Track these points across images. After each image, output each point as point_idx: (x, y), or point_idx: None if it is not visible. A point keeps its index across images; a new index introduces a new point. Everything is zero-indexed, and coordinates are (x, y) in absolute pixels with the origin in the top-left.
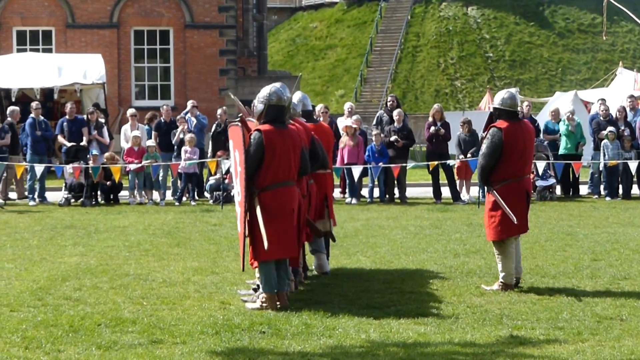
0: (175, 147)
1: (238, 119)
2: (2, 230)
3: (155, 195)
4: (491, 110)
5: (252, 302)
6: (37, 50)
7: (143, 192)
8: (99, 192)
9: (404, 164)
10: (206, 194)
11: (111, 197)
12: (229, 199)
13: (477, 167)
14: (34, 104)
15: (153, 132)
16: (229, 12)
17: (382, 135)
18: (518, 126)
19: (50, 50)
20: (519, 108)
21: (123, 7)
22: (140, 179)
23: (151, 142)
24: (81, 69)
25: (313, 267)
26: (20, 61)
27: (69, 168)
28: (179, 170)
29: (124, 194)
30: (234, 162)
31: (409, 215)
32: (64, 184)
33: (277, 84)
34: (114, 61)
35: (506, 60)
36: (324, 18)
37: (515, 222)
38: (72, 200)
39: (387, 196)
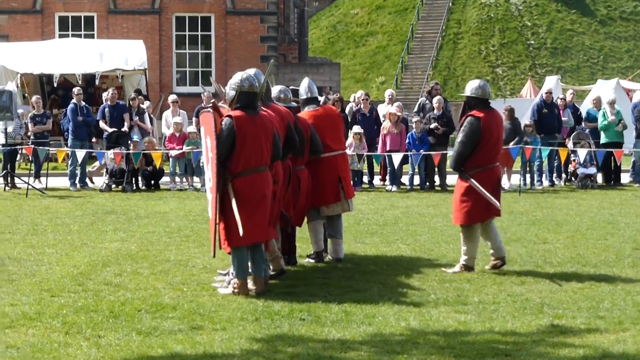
0: None
1: (210, 105)
2: (44, 215)
3: (196, 181)
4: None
5: (224, 288)
6: (79, 36)
7: (184, 178)
8: (139, 178)
9: (445, 152)
10: None
11: (152, 183)
12: None
13: (454, 155)
14: (75, 90)
15: (194, 118)
16: None
17: (422, 122)
18: (492, 115)
19: (92, 36)
20: (490, 98)
21: None
22: (181, 165)
23: (192, 128)
24: (123, 55)
25: (328, 252)
26: (62, 47)
27: (110, 154)
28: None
29: (164, 180)
30: (205, 148)
31: (449, 203)
32: (104, 169)
33: (251, 70)
34: (155, 47)
35: (547, 48)
36: (364, 4)
37: (499, 207)
38: (113, 185)
39: (427, 184)
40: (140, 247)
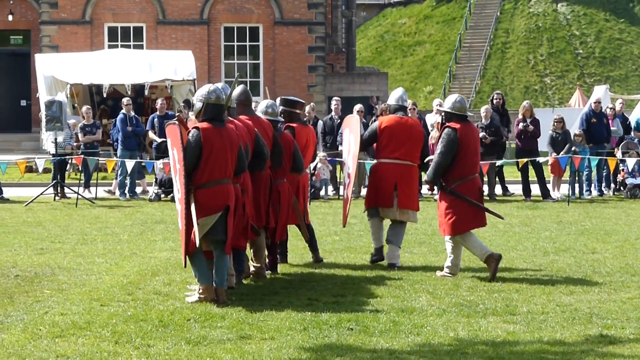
0: None
1: (175, 118)
2: (93, 224)
3: None
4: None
5: (191, 296)
6: (128, 46)
7: None
8: None
9: (493, 161)
10: None
11: None
12: (316, 196)
13: (433, 166)
14: (124, 100)
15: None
16: (318, 9)
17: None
18: (469, 128)
19: (141, 47)
20: (468, 112)
21: (213, 3)
22: None
23: None
24: (172, 65)
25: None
26: (111, 57)
27: (159, 163)
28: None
29: None
30: (173, 160)
31: (498, 212)
32: (154, 179)
33: (219, 84)
34: (204, 58)
35: (596, 57)
36: (412, 14)
37: (503, 219)
38: (162, 195)
39: None
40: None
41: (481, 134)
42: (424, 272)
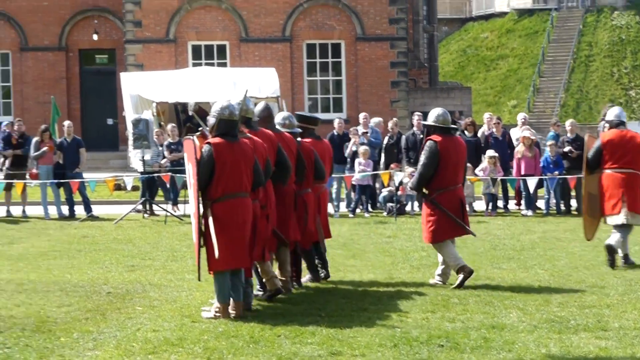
0: (348, 159)
1: (198, 133)
2: (182, 242)
3: (329, 207)
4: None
5: (207, 312)
6: (212, 64)
7: None
8: None
9: (580, 175)
10: (380, 206)
11: None
12: (402, 211)
13: (416, 176)
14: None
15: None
16: (399, 24)
17: (557, 146)
18: (450, 140)
19: (224, 64)
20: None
21: (295, 20)
22: None
23: None
24: (255, 82)
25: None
26: (196, 75)
27: None
28: (353, 182)
29: None
30: (188, 175)
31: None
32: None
33: (234, 101)
34: (286, 75)
35: None
36: (494, 28)
37: (475, 235)
38: None
39: (563, 208)
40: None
41: (567, 148)
42: (514, 288)
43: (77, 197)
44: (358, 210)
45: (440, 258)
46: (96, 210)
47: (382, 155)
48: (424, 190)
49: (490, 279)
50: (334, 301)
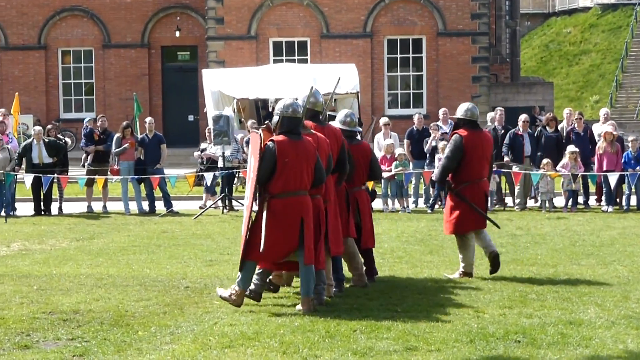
0: (428, 154)
1: (264, 125)
2: None
3: (407, 202)
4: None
5: (223, 290)
6: (293, 60)
7: (396, 200)
8: None
9: None
10: None
11: None
12: None
13: (439, 168)
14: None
15: (405, 140)
16: (481, 19)
17: (638, 141)
18: (477, 135)
19: (305, 61)
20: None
21: (376, 16)
22: (392, 187)
23: (401, 150)
24: (336, 78)
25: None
26: (276, 72)
27: None
28: (432, 178)
29: (377, 201)
30: (249, 167)
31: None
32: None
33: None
34: (367, 70)
35: None
36: (577, 23)
37: (500, 227)
38: None
39: None
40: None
41: None
42: (592, 284)
43: (157, 193)
44: (437, 206)
45: (459, 250)
46: (176, 206)
47: None
48: (450, 183)
49: (569, 274)
50: (410, 296)
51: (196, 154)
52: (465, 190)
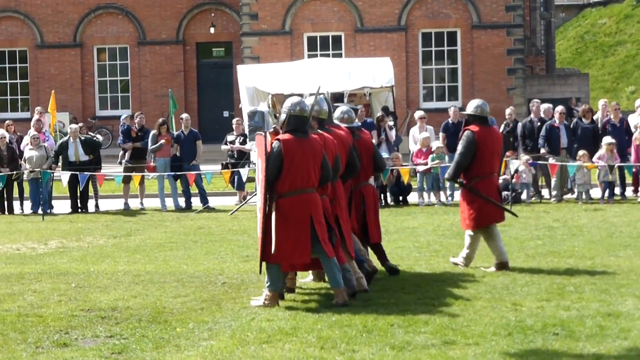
0: None
1: (272, 129)
2: None
3: (443, 196)
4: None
5: (256, 300)
6: (327, 55)
7: (431, 193)
8: (388, 194)
9: None
10: None
11: (400, 198)
12: (517, 199)
13: (453, 165)
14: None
15: (441, 133)
16: (516, 11)
17: None
18: (488, 130)
19: (339, 55)
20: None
21: (411, 9)
22: (428, 180)
23: (439, 143)
24: (370, 72)
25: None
26: (311, 67)
27: None
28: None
29: (413, 195)
30: (257, 169)
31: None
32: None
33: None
34: (402, 64)
35: None
36: (612, 14)
37: (517, 216)
38: None
39: None
40: (391, 262)
41: None
42: (630, 276)
43: (193, 189)
44: None
45: (467, 242)
46: (212, 202)
47: None
48: (462, 179)
49: (607, 266)
50: (448, 290)
51: (224, 147)
52: (478, 185)
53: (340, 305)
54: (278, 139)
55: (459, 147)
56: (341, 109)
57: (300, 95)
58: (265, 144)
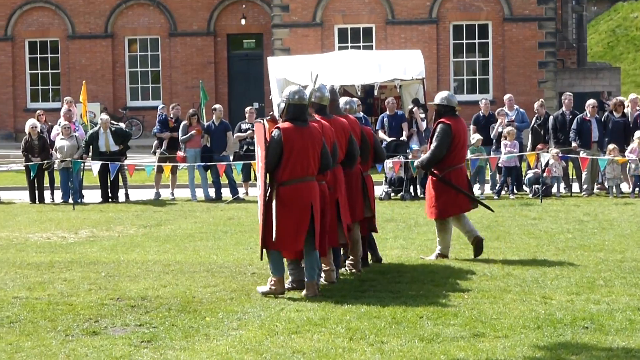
0: (494, 140)
1: (269, 117)
2: None
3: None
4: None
5: (262, 286)
6: (358, 47)
7: None
8: (417, 187)
9: None
10: (525, 188)
11: None
12: (548, 193)
13: (429, 156)
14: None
15: (472, 126)
16: (548, 5)
17: None
18: (459, 122)
19: (370, 47)
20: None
21: (442, 2)
22: None
23: (477, 136)
24: (401, 65)
25: None
26: (341, 58)
27: (388, 162)
28: (499, 164)
29: None
30: (257, 157)
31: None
32: (384, 178)
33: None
34: (432, 56)
35: None
36: None
37: (493, 211)
38: (392, 194)
39: None
40: (420, 254)
41: None
42: None
43: (223, 180)
44: (503, 192)
45: (437, 233)
46: (242, 192)
47: (529, 136)
48: (433, 170)
49: (637, 260)
50: (477, 282)
51: (238, 134)
52: (451, 175)
53: (310, 297)
54: (278, 128)
55: (435, 139)
56: (343, 99)
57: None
58: (265, 132)
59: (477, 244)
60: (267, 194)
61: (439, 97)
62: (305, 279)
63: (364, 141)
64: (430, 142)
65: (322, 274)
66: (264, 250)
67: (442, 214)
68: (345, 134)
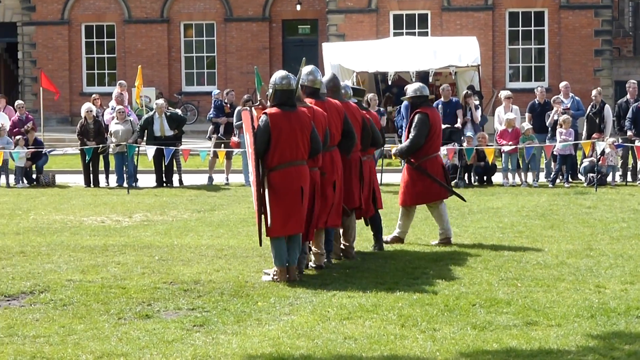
0: (549, 128)
1: (257, 104)
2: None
3: (529, 177)
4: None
5: (267, 275)
6: (413, 33)
7: (516, 174)
8: (472, 174)
9: None
10: (580, 176)
11: (484, 178)
12: (603, 182)
13: (408, 145)
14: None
15: (527, 114)
16: None
17: None
18: (434, 112)
19: (425, 34)
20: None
21: None
22: (513, 161)
23: (528, 125)
24: (456, 51)
25: None
26: (396, 45)
27: (443, 150)
28: (554, 152)
29: (497, 175)
30: (246, 144)
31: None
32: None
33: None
34: (488, 43)
35: None
36: None
37: (465, 201)
38: None
39: None
40: (474, 241)
41: None
42: None
43: None
44: (557, 181)
45: (400, 218)
46: None
47: (584, 124)
48: (411, 159)
49: None
50: (531, 271)
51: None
52: (426, 164)
53: (290, 281)
54: (265, 113)
55: (414, 129)
56: (341, 84)
57: (385, 74)
58: (252, 118)
59: (445, 242)
60: (259, 180)
61: (412, 89)
62: (287, 263)
63: (364, 127)
64: (408, 132)
65: (312, 257)
66: (265, 238)
67: (415, 201)
68: (340, 115)
